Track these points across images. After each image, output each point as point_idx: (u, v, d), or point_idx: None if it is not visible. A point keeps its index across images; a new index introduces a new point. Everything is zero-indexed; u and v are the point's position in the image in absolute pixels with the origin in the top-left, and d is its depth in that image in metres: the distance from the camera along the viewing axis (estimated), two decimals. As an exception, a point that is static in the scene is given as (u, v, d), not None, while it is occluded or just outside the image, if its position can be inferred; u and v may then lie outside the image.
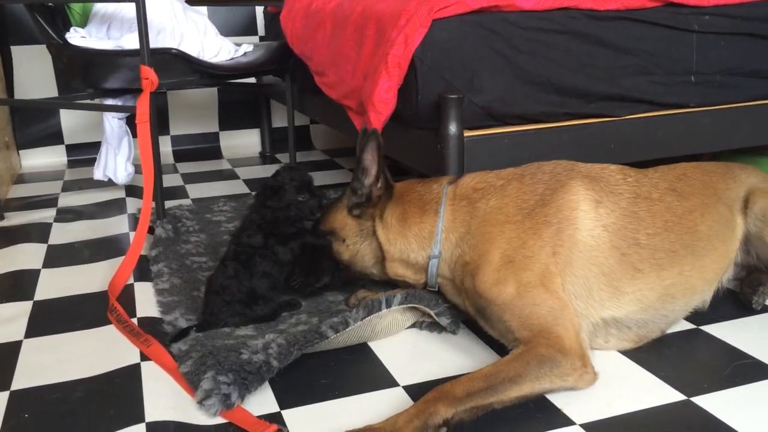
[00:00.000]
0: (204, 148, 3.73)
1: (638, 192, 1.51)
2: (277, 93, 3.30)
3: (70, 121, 3.53)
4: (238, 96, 3.80)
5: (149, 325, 1.62)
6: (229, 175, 3.26)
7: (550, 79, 1.88)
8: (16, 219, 2.54)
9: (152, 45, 2.26)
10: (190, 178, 3.21)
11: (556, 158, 1.61)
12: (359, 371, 1.44)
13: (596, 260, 1.41)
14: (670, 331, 1.54)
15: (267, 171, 3.31)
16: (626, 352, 1.47)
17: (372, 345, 1.54)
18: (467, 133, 1.76)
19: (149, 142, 2.11)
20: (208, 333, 1.51)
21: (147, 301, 1.75)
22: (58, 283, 1.92)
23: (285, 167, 1.83)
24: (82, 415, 1.29)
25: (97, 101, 2.77)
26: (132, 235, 2.27)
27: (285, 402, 1.33)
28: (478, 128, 1.83)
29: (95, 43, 2.53)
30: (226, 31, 3.37)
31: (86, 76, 2.52)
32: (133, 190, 2.82)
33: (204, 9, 3.16)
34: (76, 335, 1.62)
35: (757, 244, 1.65)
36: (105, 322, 1.67)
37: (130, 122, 2.54)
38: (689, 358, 1.47)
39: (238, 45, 2.92)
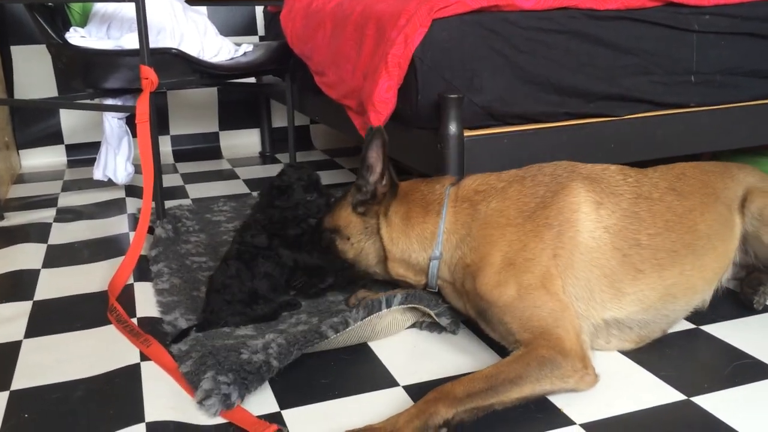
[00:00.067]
0: (204, 148, 3.73)
1: (639, 192, 1.51)
2: (277, 93, 3.30)
3: (70, 121, 3.53)
4: (238, 96, 3.80)
5: (149, 325, 1.62)
6: (229, 175, 3.26)
7: (550, 79, 1.88)
8: (15, 219, 2.54)
9: (152, 45, 2.26)
10: (190, 178, 3.21)
11: (556, 158, 1.61)
12: (359, 371, 1.44)
13: (597, 262, 1.41)
14: (670, 331, 1.54)
15: (267, 171, 3.31)
16: (626, 353, 1.47)
17: (372, 345, 1.54)
18: (467, 133, 1.76)
19: (149, 142, 2.11)
20: (208, 333, 1.51)
21: (147, 301, 1.75)
22: (57, 283, 1.92)
23: (290, 166, 1.81)
24: (81, 415, 1.29)
25: (96, 101, 2.77)
26: (132, 235, 2.27)
27: (285, 402, 1.33)
28: (478, 128, 1.83)
29: (95, 43, 2.53)
30: (226, 30, 3.37)
31: (86, 75, 2.52)
32: (132, 190, 2.82)
33: (204, 9, 3.16)
34: (75, 335, 1.62)
35: (755, 244, 1.65)
36: (105, 322, 1.67)
37: (130, 122, 2.54)
38: (689, 358, 1.47)
39: (238, 45, 2.92)
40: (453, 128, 1.70)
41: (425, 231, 1.52)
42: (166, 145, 3.65)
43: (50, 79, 3.45)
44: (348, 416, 1.27)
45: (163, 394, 1.35)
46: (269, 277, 1.63)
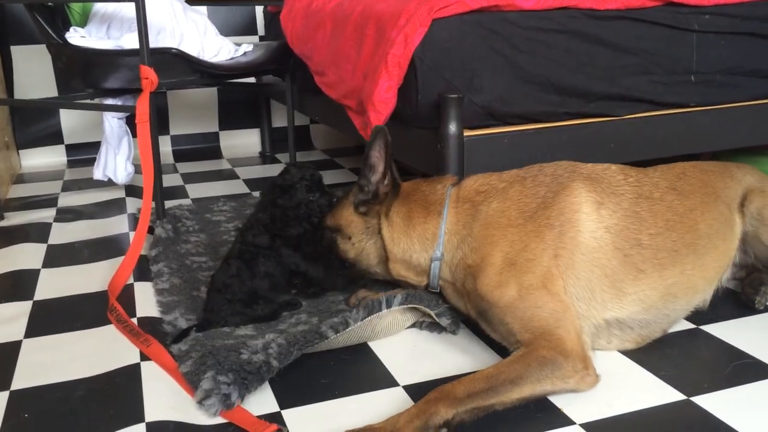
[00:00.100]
0: (204, 147, 3.73)
1: (640, 192, 1.51)
2: (277, 93, 3.30)
3: (70, 120, 3.53)
4: (238, 96, 3.80)
5: (149, 325, 1.62)
6: (229, 175, 3.26)
7: (550, 79, 1.88)
8: (15, 219, 2.54)
9: (152, 45, 2.26)
10: (189, 177, 3.21)
11: (556, 158, 1.61)
12: (359, 371, 1.44)
13: (599, 262, 1.41)
14: (670, 330, 1.54)
15: (267, 171, 3.31)
16: (626, 352, 1.47)
17: (372, 345, 1.54)
18: (467, 133, 1.76)
19: (149, 142, 2.11)
20: (208, 333, 1.51)
21: (147, 301, 1.75)
22: (57, 283, 1.92)
23: (294, 165, 1.80)
24: (82, 415, 1.29)
25: (96, 101, 2.77)
26: (132, 234, 2.27)
27: (285, 402, 1.33)
28: (478, 128, 1.83)
29: (95, 43, 2.53)
30: (226, 30, 3.37)
31: (86, 75, 2.52)
32: (132, 190, 2.82)
33: (204, 9, 3.16)
34: (75, 335, 1.62)
35: (754, 243, 1.65)
36: (105, 321, 1.67)
37: (130, 122, 2.54)
38: (689, 357, 1.47)
39: (238, 45, 2.92)
40: (453, 128, 1.70)
41: (427, 231, 1.52)
42: (166, 145, 3.65)
43: (50, 79, 3.45)
44: (348, 416, 1.27)
45: (163, 393, 1.35)
46: (270, 276, 1.63)
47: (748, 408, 1.27)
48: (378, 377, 1.41)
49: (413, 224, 1.54)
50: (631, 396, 1.31)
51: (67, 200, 2.79)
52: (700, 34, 2.03)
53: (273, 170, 3.30)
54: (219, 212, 2.50)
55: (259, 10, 3.75)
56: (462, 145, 1.73)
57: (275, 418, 1.27)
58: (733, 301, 1.69)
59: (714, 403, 1.28)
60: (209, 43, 2.74)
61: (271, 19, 3.36)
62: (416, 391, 1.34)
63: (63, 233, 2.36)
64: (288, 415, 1.28)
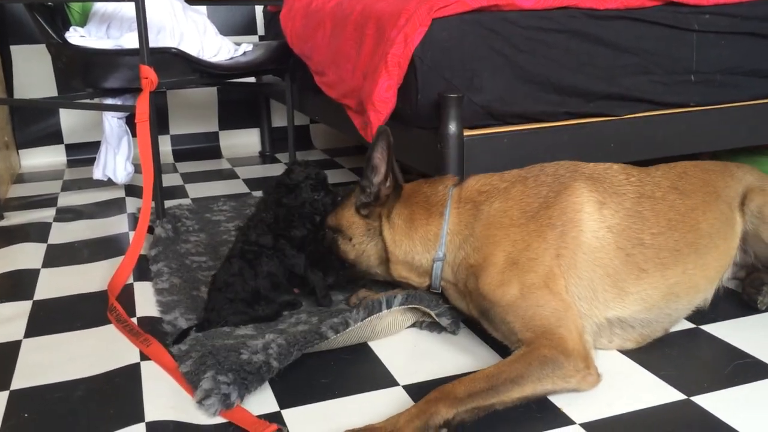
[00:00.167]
0: (204, 147, 3.73)
1: (642, 191, 1.51)
2: (277, 92, 3.30)
3: (70, 120, 3.53)
4: (238, 95, 3.80)
5: (149, 325, 1.62)
6: (229, 175, 3.26)
7: (550, 79, 1.88)
8: (15, 218, 2.54)
9: (152, 44, 2.25)
10: (189, 177, 3.21)
11: (556, 158, 1.61)
12: (359, 371, 1.44)
13: (601, 261, 1.41)
14: (671, 330, 1.54)
15: (267, 171, 3.31)
16: (627, 352, 1.47)
17: (372, 345, 1.54)
18: (467, 133, 1.76)
19: (149, 142, 2.11)
20: (208, 333, 1.51)
21: (146, 301, 1.75)
22: (57, 283, 1.92)
23: (298, 164, 1.79)
24: (81, 415, 1.29)
25: (96, 101, 2.77)
26: (131, 234, 2.27)
27: (285, 401, 1.32)
28: (478, 127, 1.83)
29: (95, 43, 2.53)
30: (226, 30, 3.37)
31: (86, 75, 2.52)
32: (132, 190, 2.82)
33: (203, 8, 3.16)
34: (75, 335, 1.62)
35: (754, 242, 1.65)
36: (104, 321, 1.66)
37: (130, 122, 2.54)
38: (689, 357, 1.46)
39: (238, 44, 2.92)
40: (453, 128, 1.70)
41: (428, 233, 1.52)
42: (165, 145, 3.65)
43: (50, 79, 3.45)
44: (348, 416, 1.27)
45: (163, 393, 1.35)
46: (272, 276, 1.63)
47: (748, 408, 1.27)
48: (378, 377, 1.41)
49: (415, 226, 1.53)
50: (631, 396, 1.31)
51: (67, 200, 2.79)
52: (700, 34, 2.03)
53: (273, 170, 3.30)
54: (219, 212, 2.50)
55: (258, 9, 3.75)
56: (462, 145, 1.73)
57: (275, 418, 1.27)
58: (733, 301, 1.69)
59: (714, 402, 1.28)
60: (209, 42, 2.74)
61: (271, 19, 3.36)
62: (416, 391, 1.34)
63: (63, 233, 2.36)
64: (288, 414, 1.28)
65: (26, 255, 2.14)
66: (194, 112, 3.74)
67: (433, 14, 1.74)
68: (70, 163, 3.48)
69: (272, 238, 1.65)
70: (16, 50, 3.39)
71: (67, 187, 3.03)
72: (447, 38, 1.77)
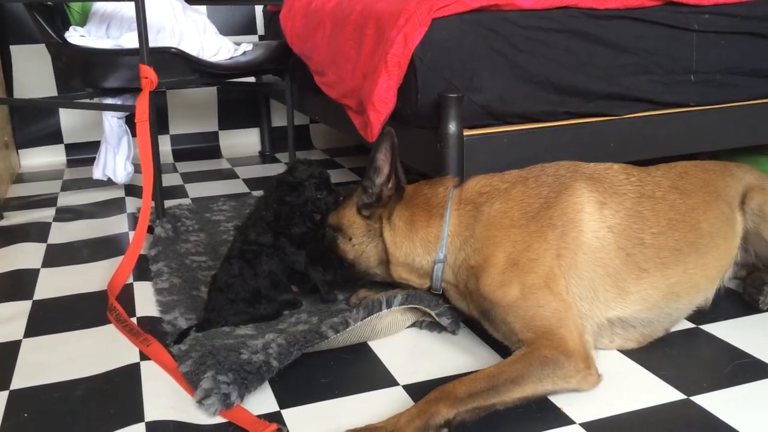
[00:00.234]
0: (203, 147, 3.73)
1: (642, 191, 1.51)
2: (277, 92, 3.30)
3: (70, 120, 3.53)
4: (238, 95, 3.80)
5: (149, 325, 1.62)
6: (229, 175, 3.26)
7: (550, 78, 1.88)
8: (15, 218, 2.54)
9: (152, 44, 2.25)
10: (189, 177, 3.21)
11: (556, 157, 1.61)
12: (359, 371, 1.44)
13: (601, 261, 1.41)
14: (671, 330, 1.54)
15: (267, 170, 3.31)
16: (627, 352, 1.46)
17: (372, 344, 1.54)
18: (467, 132, 1.76)
19: (148, 142, 2.11)
20: (208, 333, 1.51)
21: (146, 301, 1.75)
22: (57, 283, 1.92)
23: (302, 162, 1.78)
24: (81, 415, 1.29)
25: (96, 100, 2.77)
26: (131, 234, 2.27)
27: (285, 401, 1.32)
28: (478, 127, 1.83)
29: (94, 42, 2.53)
30: (226, 30, 3.37)
31: (85, 75, 2.52)
32: (132, 190, 2.82)
33: (203, 8, 3.16)
34: (75, 335, 1.61)
35: (755, 240, 1.65)
36: (104, 321, 1.66)
37: (130, 121, 2.54)
38: (689, 357, 1.46)
39: (238, 44, 2.92)
40: (453, 127, 1.70)
41: (429, 235, 1.52)
42: (165, 145, 3.65)
43: (50, 79, 3.45)
44: (348, 416, 1.27)
45: (162, 393, 1.35)
46: (272, 275, 1.63)
47: (748, 407, 1.27)
48: (378, 377, 1.41)
49: (416, 228, 1.53)
50: (632, 395, 1.31)
51: (67, 200, 2.79)
52: (699, 34, 2.03)
53: (273, 170, 3.30)
54: (219, 212, 2.50)
55: (258, 9, 3.75)
56: (462, 145, 1.73)
57: (275, 418, 1.27)
58: (733, 301, 1.69)
59: (714, 402, 1.28)
60: (209, 42, 2.74)
61: (271, 19, 3.36)
62: (416, 390, 1.34)
63: (62, 233, 2.36)
64: (288, 414, 1.28)
65: (26, 255, 2.14)
66: (194, 111, 3.74)
67: (432, 14, 1.74)
68: (70, 163, 3.48)
69: (272, 237, 1.65)
70: (15, 50, 3.39)
71: (67, 186, 3.03)
72: (447, 38, 1.77)
